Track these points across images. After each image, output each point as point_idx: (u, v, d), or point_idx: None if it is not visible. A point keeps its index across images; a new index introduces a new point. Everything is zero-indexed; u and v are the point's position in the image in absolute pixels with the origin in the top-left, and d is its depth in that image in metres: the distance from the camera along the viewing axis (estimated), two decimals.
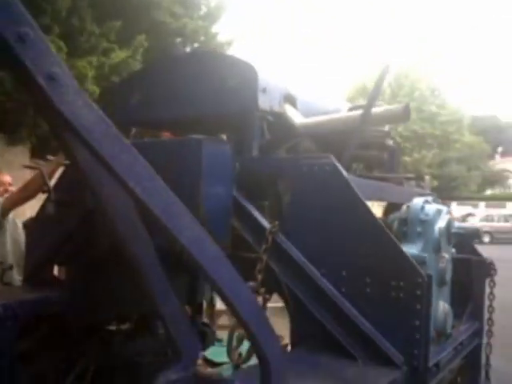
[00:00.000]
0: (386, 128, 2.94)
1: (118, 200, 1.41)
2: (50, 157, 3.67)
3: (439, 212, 2.35)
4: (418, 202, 2.33)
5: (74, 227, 2.93)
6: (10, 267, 3.09)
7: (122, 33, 8.47)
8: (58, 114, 0.97)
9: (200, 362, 4.36)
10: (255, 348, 1.31)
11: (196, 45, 13.22)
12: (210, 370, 4.45)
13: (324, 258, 2.06)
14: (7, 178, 3.57)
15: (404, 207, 2.36)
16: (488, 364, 2.80)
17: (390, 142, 2.99)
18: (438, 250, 2.25)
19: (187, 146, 2.15)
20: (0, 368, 2.59)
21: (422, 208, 2.31)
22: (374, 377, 1.75)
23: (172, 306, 1.46)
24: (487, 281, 2.77)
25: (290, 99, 2.57)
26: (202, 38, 13.36)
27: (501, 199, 35.91)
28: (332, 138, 2.58)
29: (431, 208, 2.33)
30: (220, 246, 2.18)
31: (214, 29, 14.26)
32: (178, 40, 12.58)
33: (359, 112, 2.37)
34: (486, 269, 2.77)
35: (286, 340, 4.91)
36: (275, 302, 2.67)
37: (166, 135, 2.57)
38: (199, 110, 2.45)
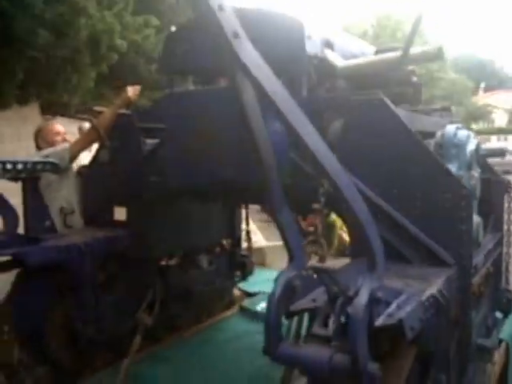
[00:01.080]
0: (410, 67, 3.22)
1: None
2: (97, 108, 3.89)
3: (469, 136, 2.69)
4: (451, 128, 2.66)
5: (130, 171, 3.22)
6: (72, 211, 3.38)
7: None
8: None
9: (238, 292, 4.79)
10: (366, 244, 1.63)
11: None
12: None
13: (377, 180, 2.39)
14: (61, 128, 3.77)
15: (439, 133, 2.68)
16: (508, 271, 3.22)
17: (415, 79, 3.28)
18: (469, 169, 2.60)
19: None
20: (86, 295, 2.95)
21: (455, 134, 2.63)
22: (433, 274, 2.10)
23: (286, 214, 1.74)
24: (505, 196, 3.16)
25: (328, 44, 2.84)
26: None
27: (486, 133, 36.56)
28: (369, 78, 2.86)
29: (463, 133, 2.66)
30: (282, 174, 2.53)
31: None
32: None
33: (398, 53, 2.65)
34: (505, 186, 3.15)
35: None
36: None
37: (221, 80, 2.82)
38: None
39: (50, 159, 2.94)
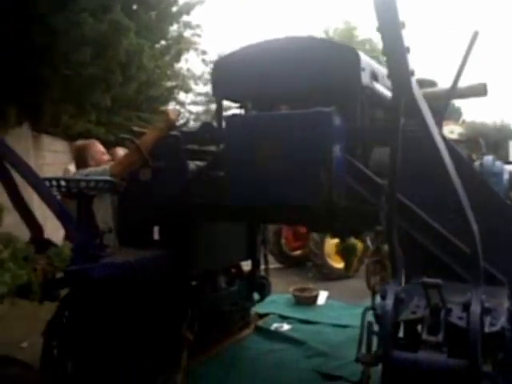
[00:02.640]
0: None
1: None
2: (136, 128, 3.95)
3: (503, 166, 2.96)
4: (488, 159, 2.93)
5: (174, 192, 3.32)
6: (110, 230, 3.43)
7: None
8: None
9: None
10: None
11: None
12: None
13: (434, 205, 2.59)
14: (103, 148, 3.79)
15: (477, 163, 2.94)
16: None
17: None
18: (507, 194, 2.86)
19: (318, 116, 2.60)
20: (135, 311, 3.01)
21: (493, 163, 2.90)
22: (495, 291, 2.27)
23: (394, 237, 1.90)
24: None
25: (375, 75, 3.06)
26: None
27: None
28: None
29: (498, 163, 2.93)
30: (338, 197, 2.70)
31: None
32: None
33: (446, 88, 2.90)
34: None
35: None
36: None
37: (282, 107, 2.99)
38: (307, 86, 2.89)
39: (108, 178, 3.00)
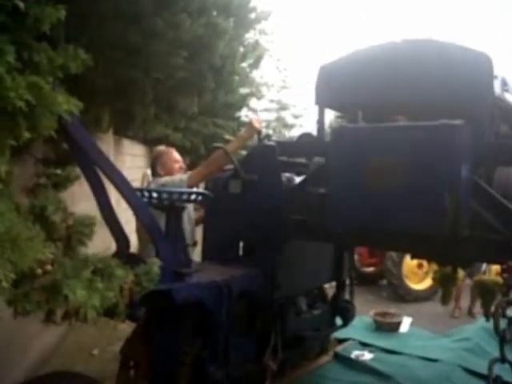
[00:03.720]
0: None
1: None
2: (228, 136, 3.77)
3: None
4: None
5: (266, 206, 3.05)
6: (195, 243, 3.22)
7: None
8: None
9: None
10: None
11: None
12: None
13: None
14: (178, 156, 3.66)
15: None
16: None
17: None
18: None
19: (446, 130, 2.24)
20: (222, 336, 2.77)
21: None
22: None
23: None
24: None
25: (505, 84, 2.66)
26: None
27: None
28: None
29: None
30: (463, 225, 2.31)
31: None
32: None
33: None
34: None
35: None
36: None
37: (399, 118, 2.67)
38: (429, 94, 2.53)
39: (200, 190, 2.80)
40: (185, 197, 2.55)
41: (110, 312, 2.06)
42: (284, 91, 25.72)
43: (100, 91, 3.69)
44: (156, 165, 3.61)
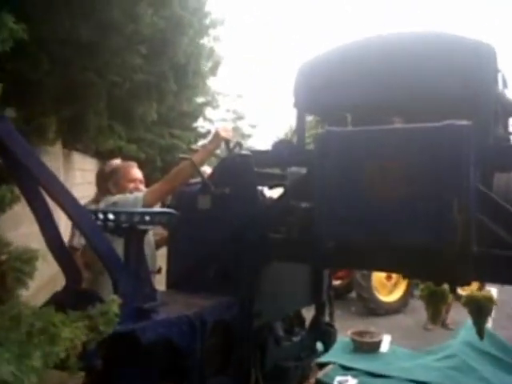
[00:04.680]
0: None
1: None
2: (194, 146, 3.39)
3: None
4: None
5: (240, 223, 2.68)
6: (158, 271, 2.81)
7: None
8: None
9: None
10: None
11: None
12: None
13: None
14: (138, 174, 3.26)
15: None
16: None
17: None
18: None
19: (453, 132, 1.94)
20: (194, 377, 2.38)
21: None
22: None
23: None
24: None
25: (504, 79, 2.40)
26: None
27: None
28: None
29: None
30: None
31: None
32: None
33: None
34: None
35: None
36: None
37: (395, 120, 2.35)
38: (427, 92, 2.24)
39: (164, 210, 2.40)
40: (148, 218, 2.14)
41: (58, 365, 1.64)
42: (239, 100, 25.58)
43: (46, 95, 3.19)
44: (108, 182, 3.21)
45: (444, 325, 6.78)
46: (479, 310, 3.33)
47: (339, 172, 2.13)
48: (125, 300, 1.97)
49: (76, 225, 1.86)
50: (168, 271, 2.96)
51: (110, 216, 2.08)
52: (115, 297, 1.87)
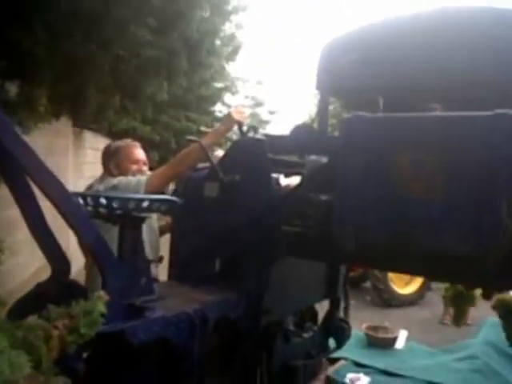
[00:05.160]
0: None
1: None
2: (204, 128, 3.16)
3: None
4: None
5: (252, 214, 2.45)
6: (160, 259, 2.59)
7: None
8: None
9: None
10: None
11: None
12: None
13: None
14: (142, 155, 3.04)
15: None
16: None
17: None
18: None
19: (503, 121, 1.66)
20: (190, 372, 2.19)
21: None
22: None
23: None
24: None
25: None
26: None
27: None
28: None
29: None
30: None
31: None
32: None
33: None
34: None
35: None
36: None
37: (435, 107, 2.07)
38: (469, 77, 1.96)
39: (164, 196, 2.19)
40: (145, 205, 1.92)
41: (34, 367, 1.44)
42: (259, 87, 25.22)
43: (43, 68, 2.96)
44: (109, 162, 3.00)
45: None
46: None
47: (366, 164, 1.86)
48: (114, 296, 1.76)
49: (58, 210, 1.64)
50: (170, 261, 2.75)
51: (102, 201, 1.86)
52: (102, 293, 1.66)
